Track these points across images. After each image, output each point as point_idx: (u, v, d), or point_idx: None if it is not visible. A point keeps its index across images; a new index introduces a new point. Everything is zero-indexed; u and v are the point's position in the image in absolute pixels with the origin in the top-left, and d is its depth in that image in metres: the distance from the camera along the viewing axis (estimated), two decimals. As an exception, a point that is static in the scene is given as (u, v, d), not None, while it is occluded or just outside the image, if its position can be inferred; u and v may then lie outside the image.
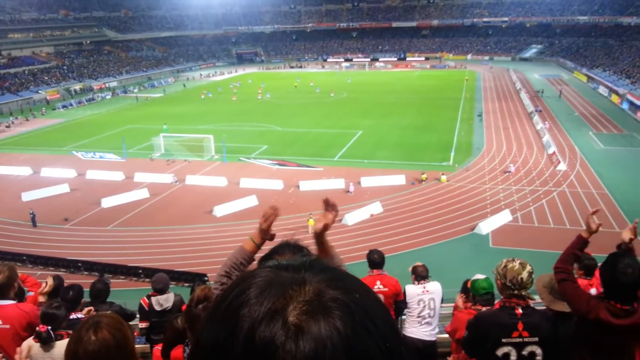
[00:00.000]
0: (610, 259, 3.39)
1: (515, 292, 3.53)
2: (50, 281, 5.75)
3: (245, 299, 0.73)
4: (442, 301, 7.07)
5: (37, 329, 4.20)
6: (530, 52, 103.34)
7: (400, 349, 0.76)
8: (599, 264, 4.03)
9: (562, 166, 32.67)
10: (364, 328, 0.71)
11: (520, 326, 3.50)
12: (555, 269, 3.71)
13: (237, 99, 64.99)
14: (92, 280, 7.30)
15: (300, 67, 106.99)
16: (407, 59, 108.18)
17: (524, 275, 3.51)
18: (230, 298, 0.76)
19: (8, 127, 53.47)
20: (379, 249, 7.16)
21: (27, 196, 30.50)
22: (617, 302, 3.30)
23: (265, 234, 2.08)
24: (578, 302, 3.49)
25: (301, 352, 0.65)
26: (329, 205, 1.89)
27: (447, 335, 6.99)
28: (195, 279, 18.22)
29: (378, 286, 6.63)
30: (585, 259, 5.88)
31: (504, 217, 25.23)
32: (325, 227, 1.83)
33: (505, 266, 3.58)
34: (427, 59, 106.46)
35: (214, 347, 0.72)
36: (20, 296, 5.06)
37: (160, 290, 7.30)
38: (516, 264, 3.55)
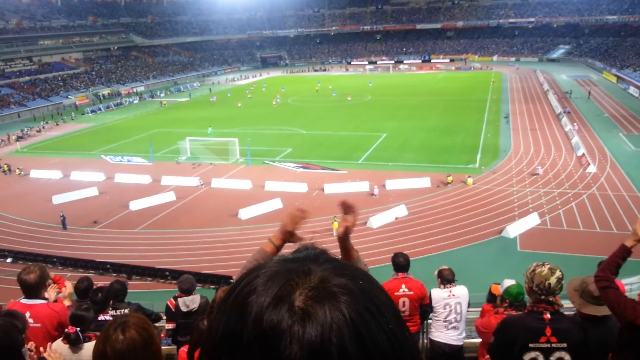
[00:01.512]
0: None
1: (543, 297, 3.46)
2: (69, 287, 5.84)
3: (253, 287, 0.76)
4: (469, 305, 6.97)
5: (66, 330, 4.28)
6: (558, 52, 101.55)
7: (404, 334, 0.77)
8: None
9: (592, 168, 31.97)
10: (369, 312, 0.73)
11: (548, 331, 3.43)
12: (596, 277, 3.62)
13: (245, 104, 64.63)
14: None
15: (325, 70, 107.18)
16: (432, 61, 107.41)
17: (552, 280, 3.43)
18: (240, 287, 0.79)
19: (39, 131, 54.88)
20: (404, 252, 7.10)
21: (57, 199, 31.20)
22: None
23: (289, 235, 2.05)
24: (624, 309, 3.39)
25: (308, 335, 0.67)
26: (347, 207, 1.83)
27: (474, 340, 6.90)
28: (221, 281, 18.39)
29: (403, 289, 6.58)
30: None
31: (532, 220, 24.81)
32: (347, 230, 1.80)
33: (534, 270, 3.51)
34: (452, 60, 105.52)
35: (225, 333, 0.75)
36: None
37: (187, 291, 7.37)
38: (545, 269, 3.48)
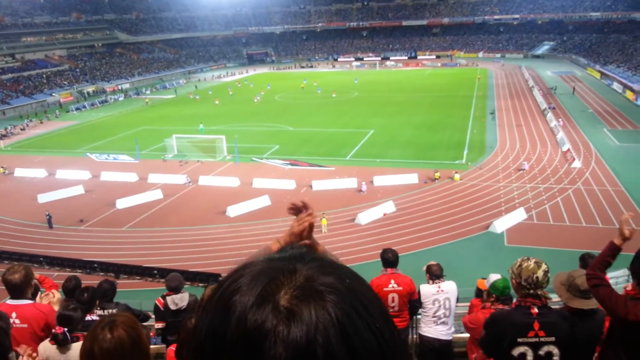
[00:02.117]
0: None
1: (531, 291, 3.49)
2: (58, 295, 5.77)
3: (237, 286, 0.75)
4: (458, 300, 7.01)
5: (54, 331, 4.23)
6: (543, 49, 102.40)
7: (392, 332, 0.76)
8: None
9: (577, 163, 32.33)
10: (356, 311, 0.72)
11: (536, 326, 3.46)
12: (587, 275, 3.66)
13: (225, 101, 64.04)
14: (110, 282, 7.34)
15: (311, 66, 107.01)
16: (418, 57, 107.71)
17: (539, 274, 3.46)
18: (224, 286, 0.78)
19: (23, 129, 54.15)
20: (392, 248, 7.13)
21: (43, 198, 30.84)
22: None
23: (296, 238, 1.97)
24: (615, 306, 3.42)
25: (293, 335, 0.66)
26: (299, 208, 1.70)
27: (463, 335, 6.95)
28: (210, 279, 18.31)
29: (392, 285, 6.61)
30: (589, 258, 5.90)
31: (518, 216, 25.03)
32: (305, 229, 1.66)
33: (520, 265, 3.54)
34: (438, 57, 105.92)
35: (209, 333, 0.74)
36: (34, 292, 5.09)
37: (175, 289, 7.33)
38: (531, 263, 3.51)
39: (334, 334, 0.67)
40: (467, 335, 6.60)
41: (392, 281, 6.62)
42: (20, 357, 3.17)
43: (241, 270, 0.80)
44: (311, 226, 1.70)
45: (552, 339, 3.48)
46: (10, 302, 4.33)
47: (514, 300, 3.87)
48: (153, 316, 7.70)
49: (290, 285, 0.73)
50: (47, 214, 27.19)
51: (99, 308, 6.17)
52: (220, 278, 0.85)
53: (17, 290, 4.30)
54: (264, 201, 28.38)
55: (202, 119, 50.34)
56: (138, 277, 21.16)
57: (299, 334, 0.66)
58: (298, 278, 0.75)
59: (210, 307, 0.76)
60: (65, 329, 4.09)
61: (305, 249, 0.90)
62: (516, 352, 3.50)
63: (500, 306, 5.14)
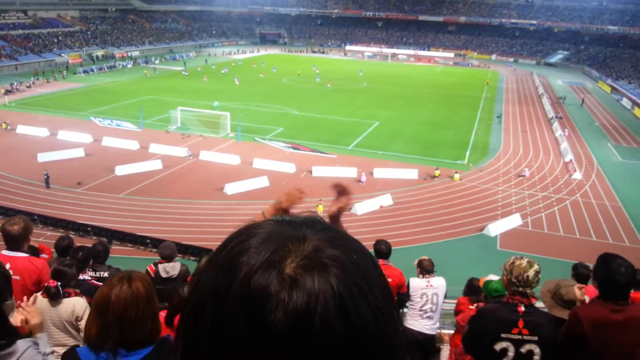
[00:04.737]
0: (602, 260, 3.44)
1: (520, 289, 3.54)
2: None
3: (245, 247, 0.76)
4: (445, 297, 7.08)
5: (47, 284, 4.28)
6: (556, 57, 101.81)
7: (392, 313, 0.78)
8: (592, 266, 4.03)
9: (578, 175, 32.35)
10: (358, 288, 0.72)
11: (520, 323, 3.52)
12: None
13: (211, 80, 62.88)
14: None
15: (323, 52, 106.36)
16: (431, 53, 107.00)
17: (530, 273, 3.51)
18: (231, 245, 0.78)
19: (29, 87, 53.97)
20: (386, 240, 7.18)
21: (42, 157, 30.86)
22: (612, 300, 3.35)
23: (282, 213, 2.00)
24: (571, 328, 3.53)
25: (293, 303, 0.67)
26: (341, 190, 1.72)
27: (447, 332, 7.01)
28: (202, 253, 18.38)
29: (382, 276, 6.64)
30: (580, 267, 5.95)
31: (514, 221, 25.11)
32: (340, 211, 1.74)
33: (513, 263, 3.59)
34: (454, 55, 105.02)
35: (210, 290, 0.74)
36: (34, 255, 5.13)
37: (168, 257, 7.38)
38: (524, 262, 3.57)
39: (333, 307, 0.68)
40: (450, 331, 6.68)
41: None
42: (18, 303, 3.22)
43: (251, 229, 0.80)
44: (340, 210, 1.72)
45: (535, 338, 3.54)
46: (5, 252, 4.36)
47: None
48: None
49: (298, 254, 0.74)
50: (45, 173, 27.21)
51: (90, 269, 6.24)
52: (228, 236, 0.86)
53: (14, 241, 4.33)
54: (262, 182, 28.42)
55: (210, 95, 50.13)
56: (130, 245, 21.24)
57: (300, 303, 0.67)
58: (306, 247, 0.75)
59: (215, 264, 0.77)
60: (59, 283, 4.14)
61: (317, 216, 0.92)
62: (498, 347, 3.57)
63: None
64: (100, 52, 79.07)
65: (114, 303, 2.32)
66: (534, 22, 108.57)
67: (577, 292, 3.92)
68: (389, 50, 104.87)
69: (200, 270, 0.82)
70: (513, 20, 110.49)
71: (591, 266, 6.12)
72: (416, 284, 6.79)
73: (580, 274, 5.94)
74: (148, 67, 72.95)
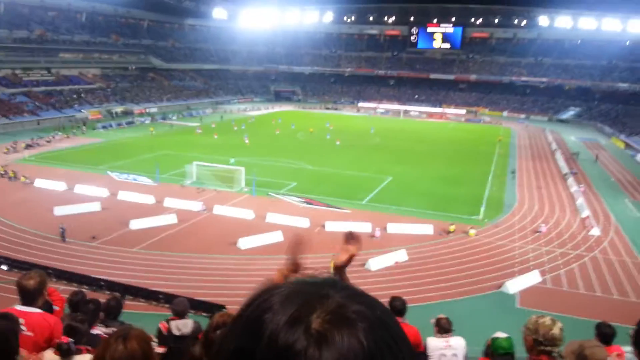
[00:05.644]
0: None
1: (547, 348, 3.41)
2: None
3: (269, 305, 0.74)
4: (466, 359, 6.84)
5: (58, 340, 4.21)
6: (568, 114, 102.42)
7: None
8: (631, 332, 3.85)
9: (596, 231, 31.81)
10: (386, 343, 0.72)
11: None
12: None
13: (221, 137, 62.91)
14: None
15: (336, 109, 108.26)
16: (443, 110, 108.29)
17: (555, 330, 3.41)
18: (256, 304, 0.77)
19: (49, 141, 55.34)
20: (401, 297, 7.04)
21: (59, 211, 31.21)
22: None
23: (295, 267, 1.96)
24: None
25: (324, 359, 0.66)
26: (352, 238, 1.72)
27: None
28: (214, 309, 18.13)
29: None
30: (604, 327, 5.77)
31: (532, 278, 24.55)
32: (349, 259, 1.70)
33: (537, 321, 3.49)
34: (465, 112, 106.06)
35: (237, 349, 0.73)
36: (47, 309, 5.09)
37: (180, 313, 7.27)
38: (547, 320, 3.47)
39: None
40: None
41: (399, 330, 6.49)
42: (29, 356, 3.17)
43: (273, 289, 0.79)
44: (351, 258, 1.71)
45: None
46: (19, 307, 4.33)
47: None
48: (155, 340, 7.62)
49: (323, 309, 0.73)
50: (61, 226, 27.43)
51: (102, 325, 6.16)
52: (226, 309, 0.84)
53: (29, 296, 4.30)
54: (276, 236, 28.30)
55: (224, 151, 50.89)
56: (143, 300, 21.05)
57: (330, 359, 0.66)
58: (330, 303, 0.74)
59: (240, 323, 0.76)
60: (71, 340, 4.08)
61: (336, 276, 0.91)
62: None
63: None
64: (119, 109, 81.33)
65: None
66: (544, 79, 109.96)
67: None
68: (401, 107, 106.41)
69: (223, 330, 0.80)
70: (523, 78, 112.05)
71: (613, 325, 5.93)
72: (434, 344, 6.59)
73: (603, 333, 5.76)
74: (164, 123, 74.55)
